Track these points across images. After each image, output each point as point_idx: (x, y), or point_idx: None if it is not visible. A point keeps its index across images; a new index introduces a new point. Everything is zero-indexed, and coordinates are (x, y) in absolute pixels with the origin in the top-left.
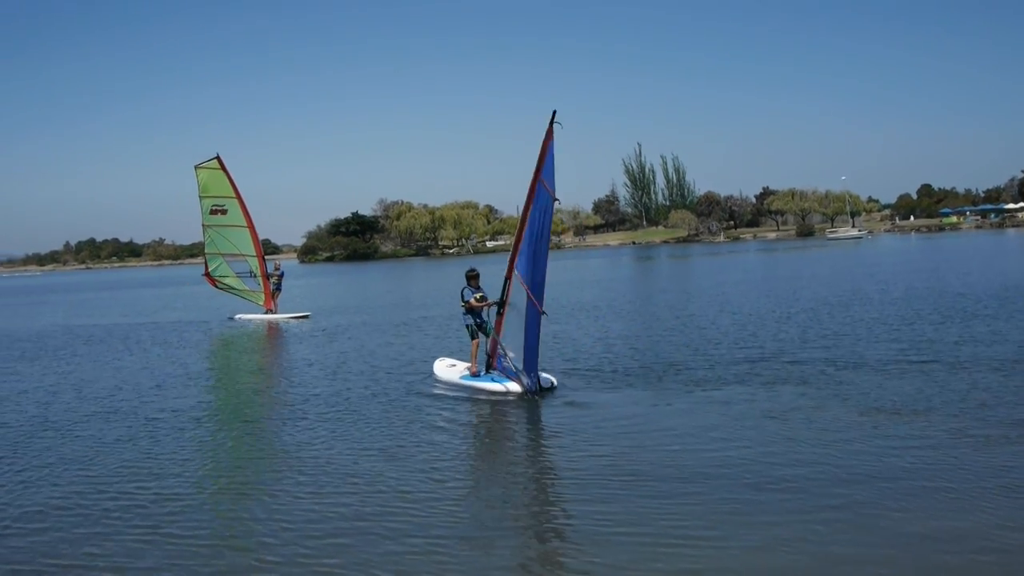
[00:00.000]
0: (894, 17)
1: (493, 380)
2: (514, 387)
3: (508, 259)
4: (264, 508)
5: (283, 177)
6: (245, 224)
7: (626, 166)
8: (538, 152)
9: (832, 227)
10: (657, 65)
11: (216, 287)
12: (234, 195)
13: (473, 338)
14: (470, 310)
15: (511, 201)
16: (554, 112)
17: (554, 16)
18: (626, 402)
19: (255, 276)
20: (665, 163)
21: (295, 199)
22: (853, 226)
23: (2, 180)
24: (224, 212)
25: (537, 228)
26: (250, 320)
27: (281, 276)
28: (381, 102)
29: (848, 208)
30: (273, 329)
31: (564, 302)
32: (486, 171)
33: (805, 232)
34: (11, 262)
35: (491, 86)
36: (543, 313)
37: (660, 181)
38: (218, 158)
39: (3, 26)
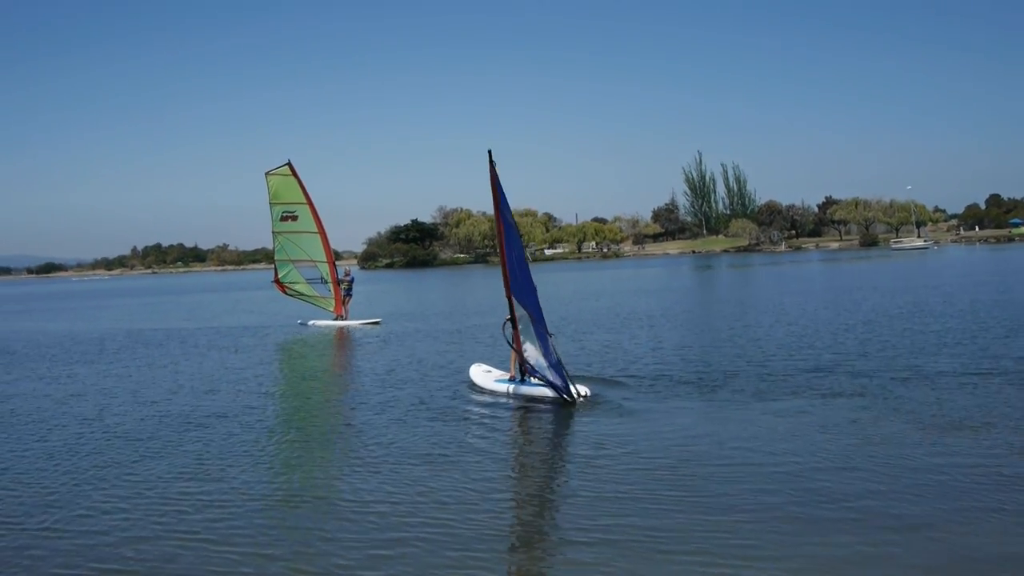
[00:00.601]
0: (960, 23)
1: (527, 385)
2: (548, 393)
3: (503, 281)
4: (303, 517)
5: (343, 184)
6: (316, 230)
7: (686, 174)
8: (493, 189)
9: (896, 237)
10: (718, 73)
11: (286, 294)
12: (305, 201)
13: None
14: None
15: (570, 209)
16: (489, 152)
17: (614, 26)
18: (677, 413)
19: (326, 282)
20: (726, 171)
21: (355, 206)
22: (918, 236)
23: (73, 187)
24: (295, 218)
25: (515, 258)
26: (320, 326)
27: (351, 282)
28: (440, 109)
29: (913, 218)
30: (342, 335)
31: (618, 311)
32: (545, 179)
33: (869, 242)
34: (80, 266)
35: (551, 95)
36: (551, 335)
37: (720, 189)
38: (289, 164)
39: (73, 33)
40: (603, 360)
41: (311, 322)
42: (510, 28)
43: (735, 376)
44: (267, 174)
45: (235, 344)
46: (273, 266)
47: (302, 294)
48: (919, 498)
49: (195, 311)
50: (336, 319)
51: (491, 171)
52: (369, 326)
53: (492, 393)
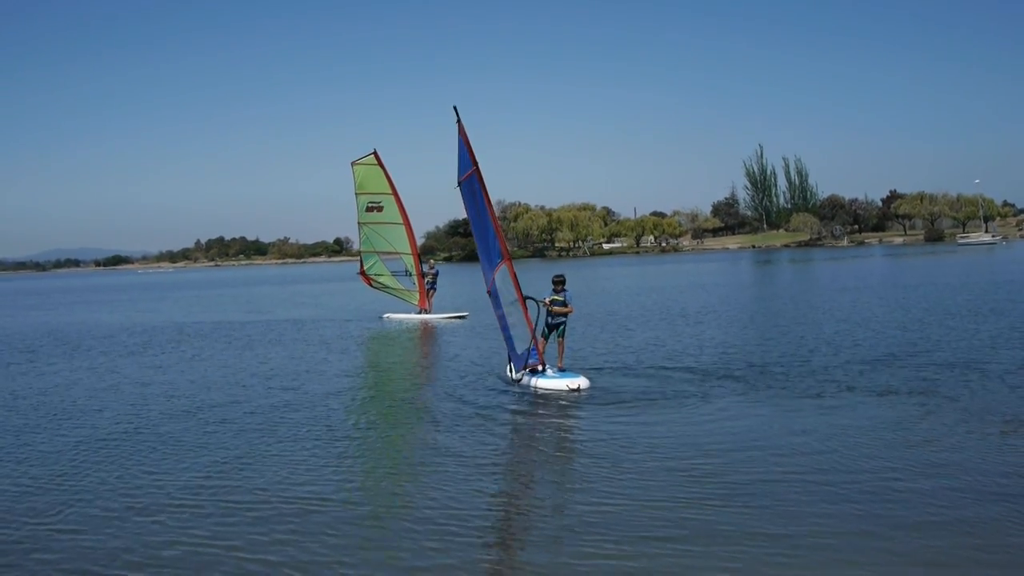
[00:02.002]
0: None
1: (551, 377)
2: (574, 383)
3: (504, 256)
4: (315, 522)
5: (401, 178)
6: (401, 221)
7: (747, 168)
8: (463, 147)
9: (963, 232)
10: (780, 65)
11: (371, 286)
12: (390, 191)
13: (543, 337)
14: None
15: (628, 203)
16: (455, 108)
17: (676, 20)
18: (711, 412)
19: (410, 275)
20: (787, 165)
21: (413, 200)
22: (986, 231)
23: (140, 182)
24: (380, 209)
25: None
26: (398, 319)
27: (436, 275)
28: (499, 103)
29: (981, 212)
30: (427, 329)
31: (669, 307)
32: (604, 173)
33: (934, 237)
34: (146, 259)
35: (611, 88)
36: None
37: (782, 183)
38: (375, 154)
39: (140, 30)
40: (642, 357)
41: (385, 315)
42: (566, 25)
43: (776, 373)
44: (353, 164)
45: (279, 338)
46: (358, 257)
47: (387, 286)
48: (963, 501)
49: (249, 304)
50: (420, 312)
51: (460, 127)
52: (454, 320)
53: (526, 386)
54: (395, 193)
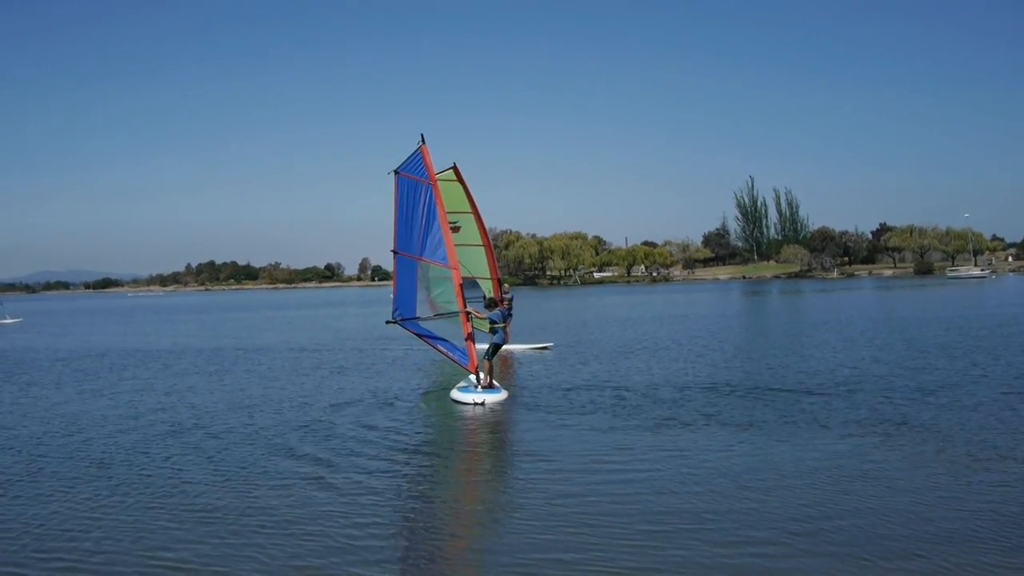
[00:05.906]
0: (1014, 46)
1: (469, 391)
2: (480, 398)
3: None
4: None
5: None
6: (481, 243)
7: (738, 199)
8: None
9: (953, 266)
10: (772, 97)
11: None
12: (470, 210)
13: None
14: (491, 329)
15: (620, 232)
16: (422, 135)
17: (670, 50)
18: (627, 440)
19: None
20: (778, 196)
21: None
22: (975, 265)
23: (131, 204)
24: (456, 229)
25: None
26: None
27: (511, 300)
28: (492, 132)
29: (970, 246)
30: (505, 361)
31: (639, 339)
32: (595, 202)
33: (923, 270)
34: (136, 282)
35: (604, 118)
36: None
37: (772, 215)
38: (455, 168)
39: (133, 60)
40: (591, 389)
41: None
42: (561, 59)
43: (712, 409)
44: None
45: (228, 368)
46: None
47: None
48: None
49: (216, 328)
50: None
51: (422, 150)
52: (537, 351)
53: (461, 405)
54: (476, 212)
